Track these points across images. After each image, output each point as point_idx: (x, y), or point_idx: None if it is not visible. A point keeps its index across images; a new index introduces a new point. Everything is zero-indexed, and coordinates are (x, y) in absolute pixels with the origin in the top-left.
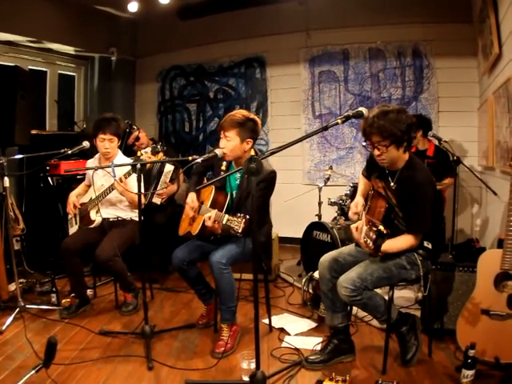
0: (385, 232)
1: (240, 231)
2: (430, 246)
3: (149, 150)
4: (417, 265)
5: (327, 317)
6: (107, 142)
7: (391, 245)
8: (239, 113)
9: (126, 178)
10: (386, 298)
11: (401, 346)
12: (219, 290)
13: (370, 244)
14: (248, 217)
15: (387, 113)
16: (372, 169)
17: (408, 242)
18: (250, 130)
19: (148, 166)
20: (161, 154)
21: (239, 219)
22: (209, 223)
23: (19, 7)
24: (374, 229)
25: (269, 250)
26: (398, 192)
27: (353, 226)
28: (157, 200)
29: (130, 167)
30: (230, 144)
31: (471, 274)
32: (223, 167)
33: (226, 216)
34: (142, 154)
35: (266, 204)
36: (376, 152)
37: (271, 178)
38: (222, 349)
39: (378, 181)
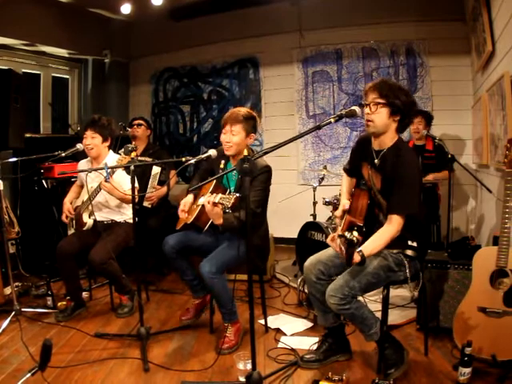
0: (355, 240)
1: (230, 206)
2: (415, 245)
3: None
4: (404, 266)
5: (319, 318)
6: (89, 139)
7: (373, 246)
8: (243, 109)
9: (111, 176)
10: (381, 296)
11: (380, 356)
12: (215, 297)
13: (344, 254)
14: (239, 195)
15: (392, 82)
16: (358, 156)
17: (390, 232)
18: (252, 125)
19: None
20: (134, 154)
21: (230, 196)
22: (208, 206)
23: (12, 10)
24: (343, 239)
25: (265, 253)
26: (382, 170)
27: (328, 239)
28: (146, 203)
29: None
30: (235, 138)
31: (467, 272)
32: (221, 165)
33: (220, 195)
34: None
35: (266, 200)
36: (367, 110)
37: (267, 171)
38: (227, 345)
39: (365, 164)
